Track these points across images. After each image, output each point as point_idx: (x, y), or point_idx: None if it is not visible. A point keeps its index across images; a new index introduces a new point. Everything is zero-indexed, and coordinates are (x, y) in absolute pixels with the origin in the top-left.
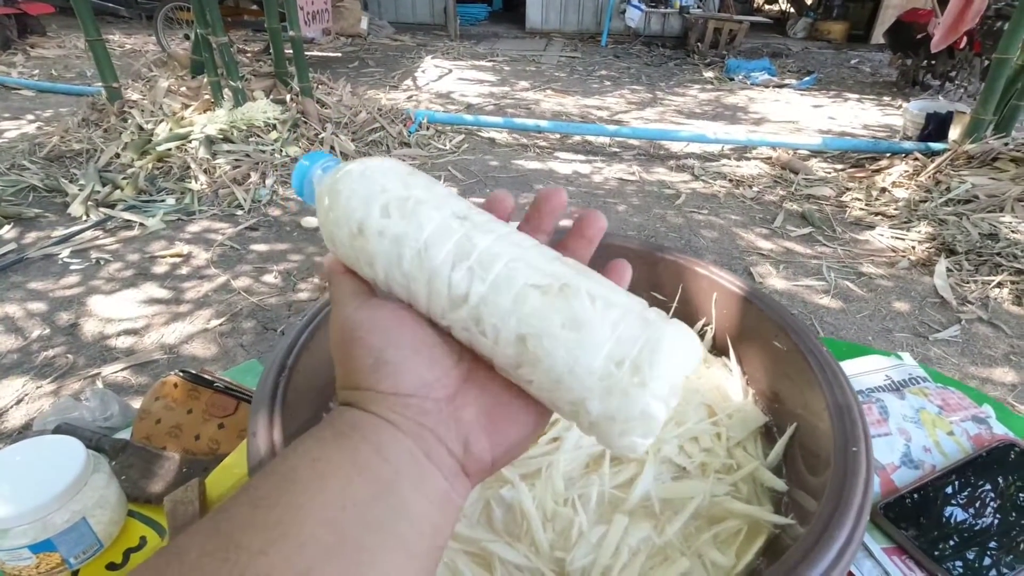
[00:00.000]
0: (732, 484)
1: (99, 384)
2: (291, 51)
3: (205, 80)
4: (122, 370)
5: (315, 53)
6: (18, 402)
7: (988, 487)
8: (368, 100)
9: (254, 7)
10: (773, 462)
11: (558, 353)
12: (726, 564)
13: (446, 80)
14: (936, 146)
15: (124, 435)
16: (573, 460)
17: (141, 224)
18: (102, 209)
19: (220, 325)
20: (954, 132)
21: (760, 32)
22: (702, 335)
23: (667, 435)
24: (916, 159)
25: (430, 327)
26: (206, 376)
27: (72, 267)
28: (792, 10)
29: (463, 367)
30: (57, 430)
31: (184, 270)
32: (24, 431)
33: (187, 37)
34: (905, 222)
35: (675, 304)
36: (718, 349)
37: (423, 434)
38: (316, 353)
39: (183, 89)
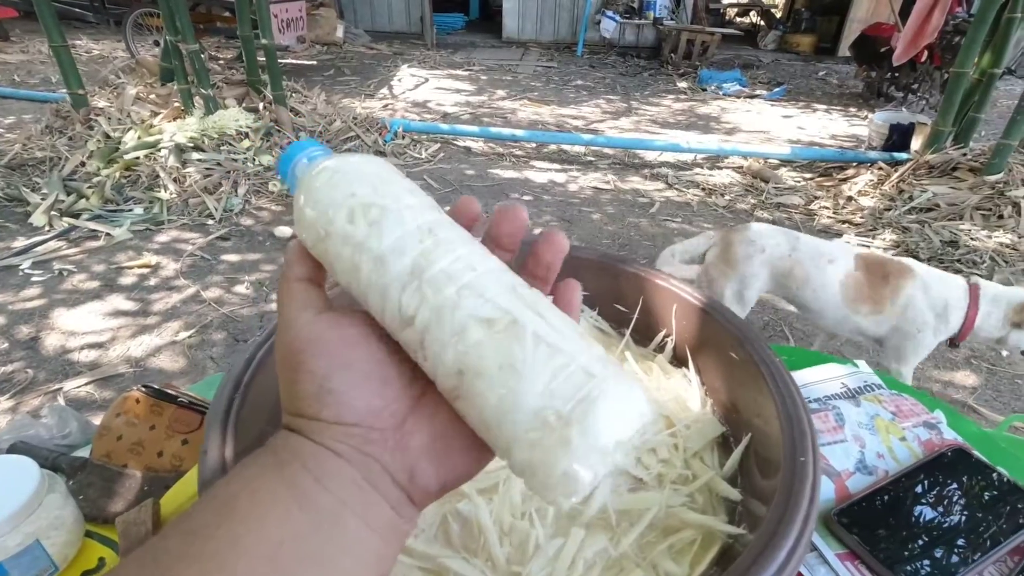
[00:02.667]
0: (688, 495)
1: (60, 400)
2: (264, 59)
3: (175, 87)
4: (85, 385)
5: (290, 61)
6: None
7: (937, 491)
8: (343, 109)
9: (226, 14)
10: (729, 472)
11: (490, 397)
12: (680, 574)
13: (422, 89)
14: (900, 156)
15: (84, 453)
16: None
17: (107, 234)
18: (66, 219)
19: (189, 337)
20: (916, 143)
21: (732, 44)
22: (663, 346)
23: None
24: (881, 168)
25: (387, 342)
26: (170, 391)
27: (34, 279)
28: (763, 23)
29: (416, 388)
30: (12, 449)
31: (152, 281)
32: None
33: (156, 44)
34: (871, 229)
35: (636, 315)
36: (678, 359)
37: (368, 463)
38: (273, 369)
39: (152, 96)
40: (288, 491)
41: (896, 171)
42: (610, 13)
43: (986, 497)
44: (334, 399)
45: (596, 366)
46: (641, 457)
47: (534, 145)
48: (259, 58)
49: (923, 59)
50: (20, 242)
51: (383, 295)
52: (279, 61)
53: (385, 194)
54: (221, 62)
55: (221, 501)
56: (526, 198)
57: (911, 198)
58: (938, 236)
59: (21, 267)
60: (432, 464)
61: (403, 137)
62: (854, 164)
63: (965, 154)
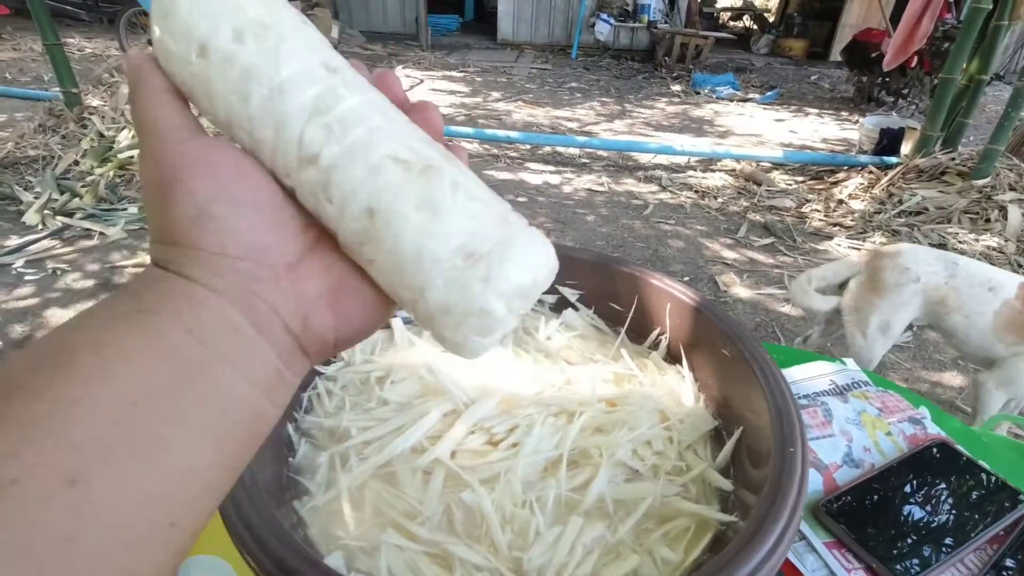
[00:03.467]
0: (682, 485)
1: None
2: None
3: None
4: None
5: None
6: None
7: (920, 483)
8: None
9: None
10: (721, 463)
11: (406, 235)
12: (675, 559)
13: (417, 90)
14: (890, 160)
15: None
16: (531, 465)
17: (101, 233)
18: (60, 218)
19: None
20: (906, 147)
21: (725, 48)
22: (657, 344)
23: (621, 439)
24: (871, 172)
25: (276, 184)
26: None
27: (27, 277)
28: (755, 27)
29: (310, 236)
30: None
31: None
32: None
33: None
34: (861, 232)
35: (631, 314)
36: (672, 357)
37: (254, 303)
38: None
39: None
40: (148, 346)
41: (886, 175)
42: (604, 16)
43: (967, 489)
44: (217, 226)
45: (511, 215)
46: (637, 449)
47: (529, 147)
48: None
49: (913, 64)
50: (13, 241)
51: (278, 129)
52: None
53: (281, 18)
54: None
55: (52, 359)
56: (521, 200)
57: (901, 201)
58: (927, 239)
59: (14, 266)
60: (330, 313)
61: None
62: (845, 168)
63: (953, 159)
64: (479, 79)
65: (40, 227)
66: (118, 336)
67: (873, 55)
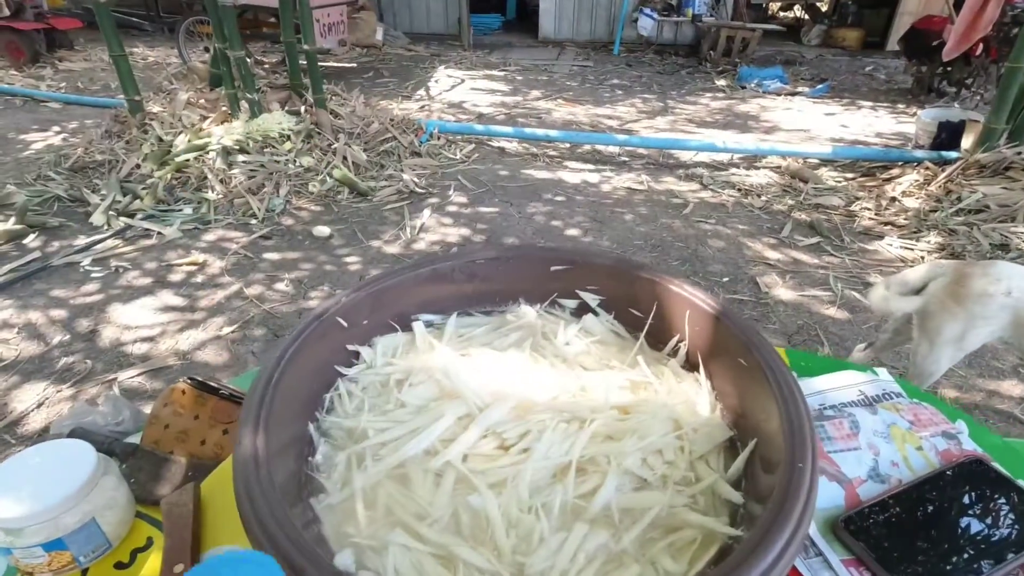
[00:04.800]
0: (691, 496)
1: (115, 389)
2: (306, 63)
3: (223, 92)
4: (137, 375)
5: (331, 64)
6: (39, 406)
7: (949, 502)
8: (381, 110)
9: (271, 20)
10: (734, 475)
11: None
12: (677, 571)
13: (458, 90)
14: (949, 155)
15: (135, 439)
16: (540, 470)
17: (159, 233)
18: (122, 218)
19: (232, 332)
20: (966, 141)
21: (774, 40)
22: (676, 351)
23: (630, 447)
24: (927, 168)
25: None
26: (212, 384)
27: (93, 275)
28: (807, 17)
29: None
30: (72, 434)
31: (199, 278)
32: (43, 434)
33: (207, 50)
34: (915, 232)
35: (650, 320)
36: (691, 364)
37: None
38: (301, 367)
39: (202, 101)
40: None
41: (944, 171)
42: (648, 11)
43: (1001, 510)
44: None
45: None
46: (647, 458)
47: (568, 145)
48: (301, 63)
49: (978, 52)
50: (81, 240)
51: None
52: (320, 64)
53: None
54: (266, 66)
55: None
56: (559, 198)
57: (959, 199)
58: (987, 239)
59: (82, 264)
60: None
61: (438, 138)
62: (899, 164)
63: (1020, 153)
64: (520, 77)
65: (105, 227)
66: None
67: (934, 43)
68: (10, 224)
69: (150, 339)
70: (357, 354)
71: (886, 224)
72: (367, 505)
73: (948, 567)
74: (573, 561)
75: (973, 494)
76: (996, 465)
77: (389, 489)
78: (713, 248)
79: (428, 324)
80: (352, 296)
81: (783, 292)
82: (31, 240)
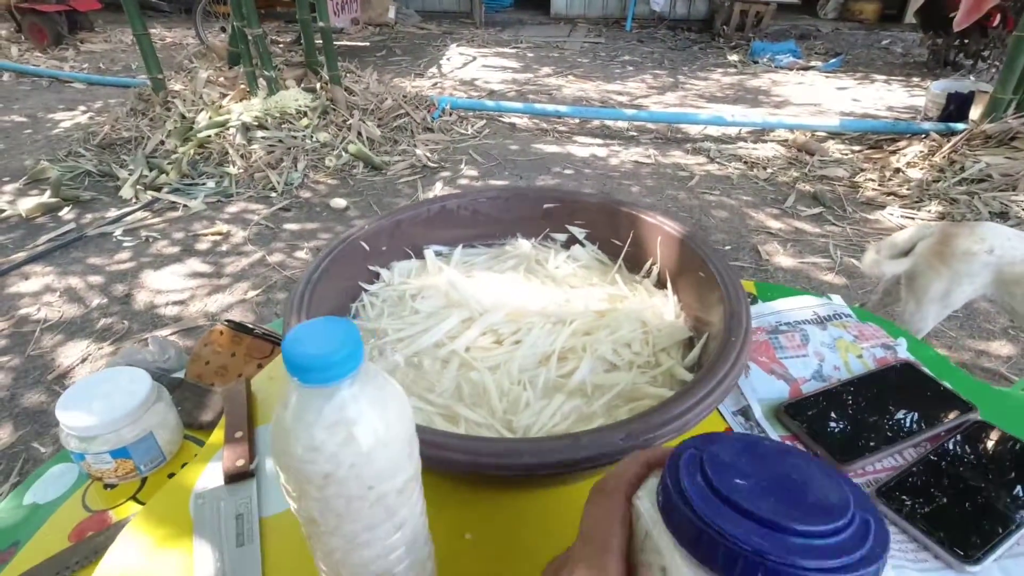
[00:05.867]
0: (652, 377)
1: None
2: (321, 41)
3: (241, 70)
4: (171, 334)
5: (344, 42)
6: (83, 361)
7: (878, 394)
8: (394, 87)
9: None
10: (689, 363)
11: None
12: None
13: (470, 67)
14: (956, 127)
15: (180, 375)
16: (528, 357)
17: (185, 205)
18: (150, 192)
19: (256, 296)
20: (974, 112)
21: (789, 13)
22: (649, 272)
23: (604, 339)
24: (933, 140)
25: None
26: (248, 325)
27: (125, 244)
28: None
29: None
30: None
31: (224, 247)
32: None
33: (223, 30)
34: (916, 201)
35: (627, 247)
36: (661, 283)
37: None
38: (333, 276)
39: (221, 79)
40: None
41: (949, 142)
42: None
43: (921, 400)
44: None
45: None
46: (617, 348)
47: (577, 121)
48: (316, 41)
49: (995, 23)
50: (112, 212)
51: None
52: (334, 43)
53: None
54: (281, 45)
55: None
56: (567, 171)
57: (962, 169)
58: (987, 207)
59: (114, 234)
60: None
61: (450, 114)
62: (907, 136)
63: None
64: (531, 54)
65: (134, 200)
66: None
67: (950, 15)
68: (46, 197)
69: (181, 302)
70: (378, 275)
71: (889, 194)
72: None
73: (869, 440)
74: (552, 419)
75: (900, 388)
76: (924, 369)
77: (406, 372)
78: (717, 218)
79: (438, 253)
80: (374, 224)
81: (783, 260)
82: (66, 212)
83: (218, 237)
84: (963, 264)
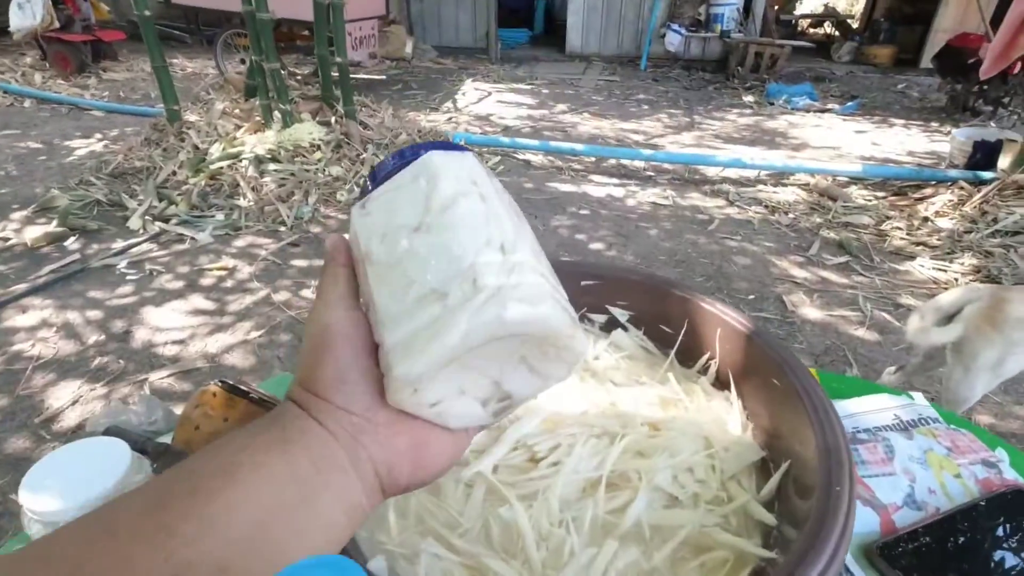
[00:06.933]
0: (723, 515)
1: (146, 389)
2: (338, 75)
3: (257, 103)
4: (167, 376)
5: (361, 76)
6: (73, 403)
7: (989, 532)
8: (409, 122)
9: (305, 32)
10: (766, 496)
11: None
12: None
13: (485, 103)
14: (984, 175)
15: (166, 439)
16: (570, 484)
17: (192, 238)
18: (158, 223)
19: (259, 337)
20: (1003, 161)
21: (804, 56)
22: (706, 369)
23: (661, 464)
24: (962, 188)
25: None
26: (243, 387)
27: (128, 277)
28: (837, 34)
29: None
30: (107, 432)
31: (228, 283)
32: (77, 431)
33: (243, 61)
34: (948, 253)
35: (681, 337)
36: (721, 383)
37: (357, 450)
38: None
39: (237, 111)
40: (288, 469)
41: (979, 191)
42: (675, 26)
43: None
44: (348, 388)
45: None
46: (678, 476)
47: (593, 159)
48: (333, 75)
49: (1016, 71)
50: (118, 243)
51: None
52: (351, 75)
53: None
54: (298, 78)
55: (224, 468)
56: (583, 212)
57: (995, 220)
58: None
59: (118, 266)
60: (409, 464)
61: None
62: (932, 183)
63: None
64: (546, 91)
65: (141, 231)
66: (269, 457)
67: (970, 61)
68: (52, 227)
69: (180, 341)
70: None
71: (918, 244)
72: (399, 514)
73: None
74: None
75: (1011, 526)
76: None
77: (421, 498)
78: (738, 265)
79: None
80: None
81: (810, 312)
82: (71, 242)
83: (223, 272)
84: (1018, 332)
